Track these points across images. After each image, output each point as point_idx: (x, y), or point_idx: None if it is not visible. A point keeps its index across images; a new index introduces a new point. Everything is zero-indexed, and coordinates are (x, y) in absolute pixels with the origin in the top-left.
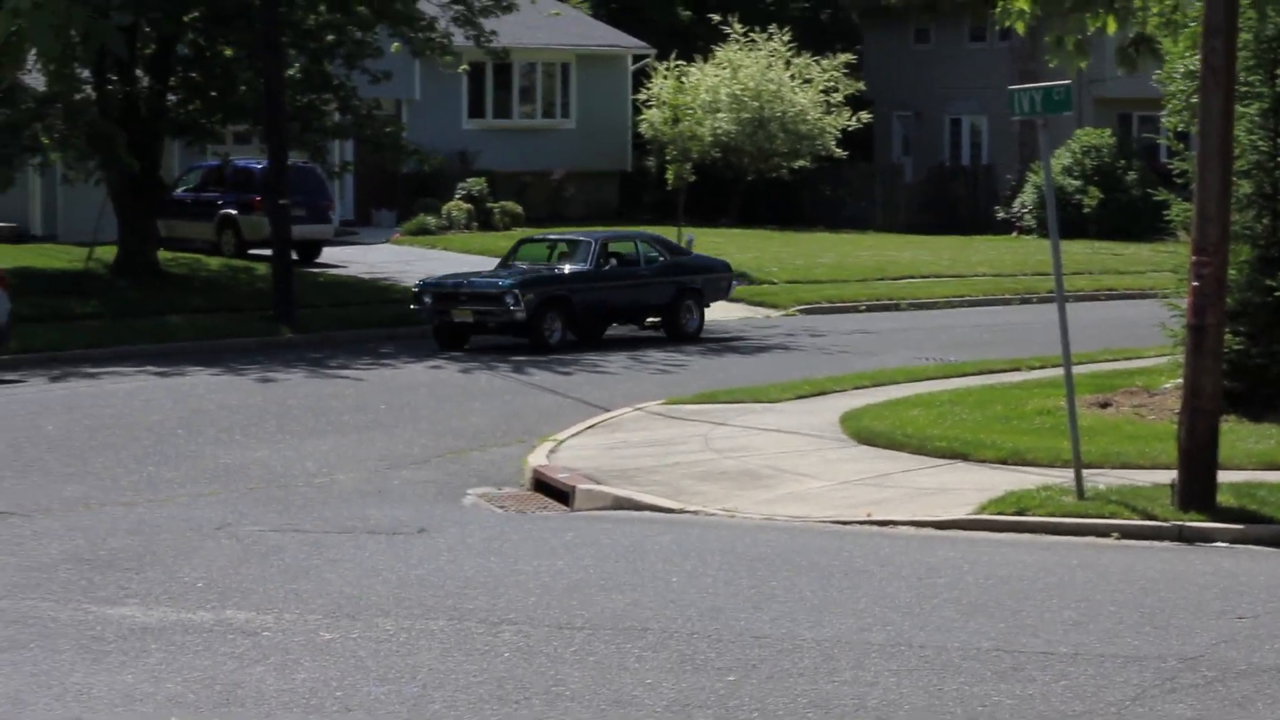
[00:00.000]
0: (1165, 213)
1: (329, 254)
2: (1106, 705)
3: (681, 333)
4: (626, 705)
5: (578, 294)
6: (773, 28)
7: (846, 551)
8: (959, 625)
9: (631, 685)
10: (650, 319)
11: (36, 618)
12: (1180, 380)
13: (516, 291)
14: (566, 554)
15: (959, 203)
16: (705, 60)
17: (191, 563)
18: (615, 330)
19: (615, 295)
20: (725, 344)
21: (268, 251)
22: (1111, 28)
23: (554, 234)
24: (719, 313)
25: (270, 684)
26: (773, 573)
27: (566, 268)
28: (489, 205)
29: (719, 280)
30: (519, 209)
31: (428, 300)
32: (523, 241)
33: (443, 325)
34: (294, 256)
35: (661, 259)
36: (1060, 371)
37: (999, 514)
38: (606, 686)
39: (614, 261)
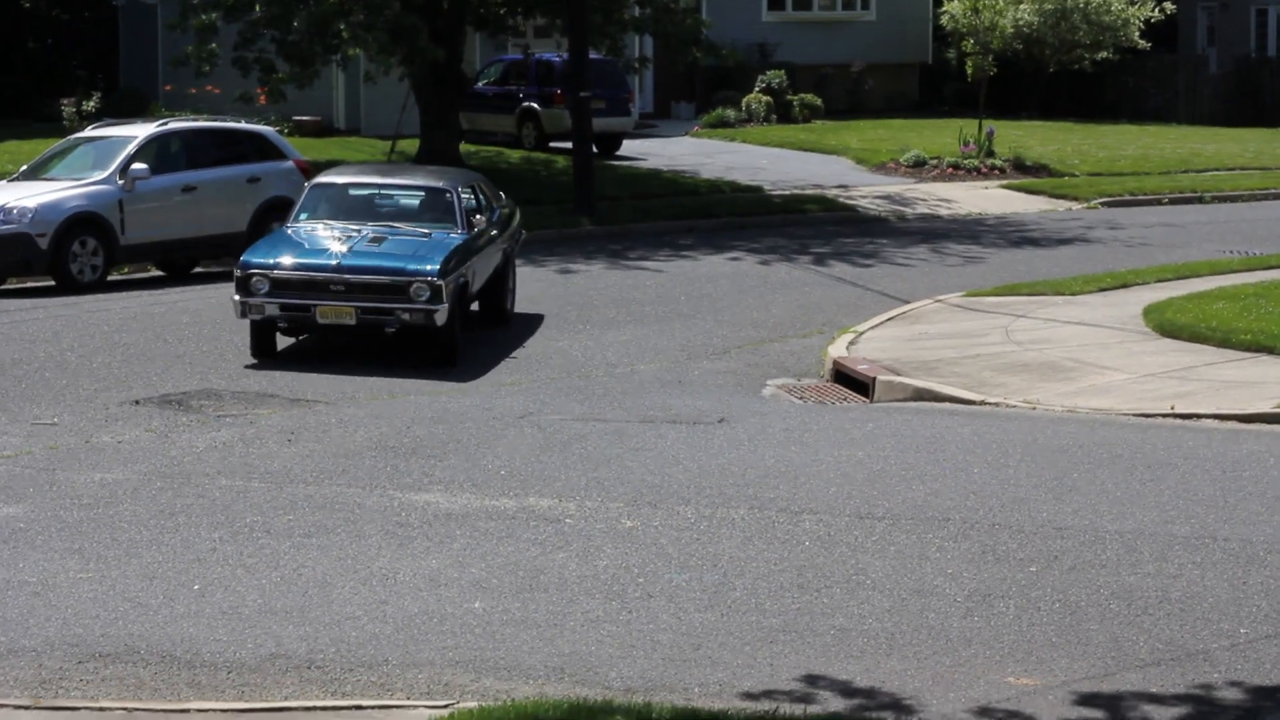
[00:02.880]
0: None
1: (628, 147)
2: None
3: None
4: (927, 594)
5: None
6: None
7: (1149, 445)
8: (1264, 519)
9: (932, 575)
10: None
11: (343, 503)
12: None
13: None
14: (867, 445)
15: (1265, 94)
16: None
17: (495, 451)
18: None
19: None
20: (1025, 237)
21: (568, 144)
22: None
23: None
24: (1019, 205)
25: (572, 570)
26: (1074, 465)
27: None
28: (788, 98)
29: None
30: (818, 101)
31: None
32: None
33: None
34: (594, 149)
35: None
36: None
37: None
38: (907, 576)
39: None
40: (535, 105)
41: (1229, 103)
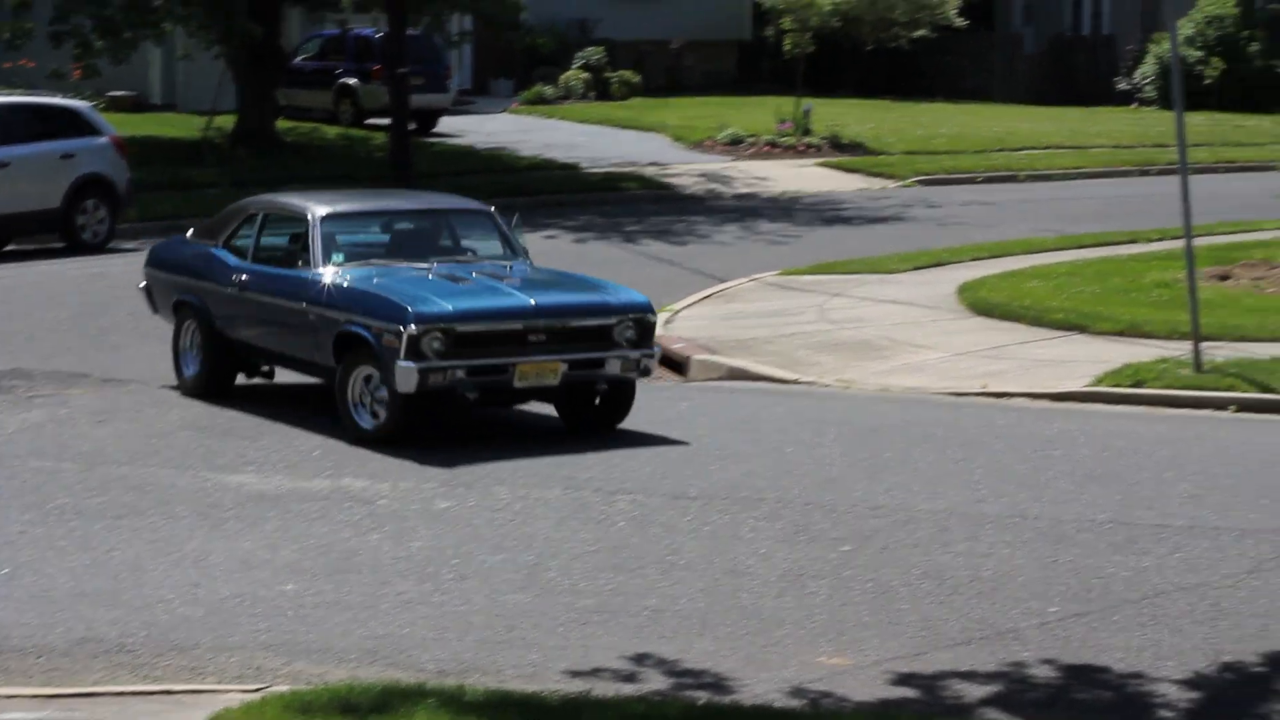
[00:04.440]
0: None
1: (446, 124)
2: (1222, 578)
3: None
4: (741, 575)
5: None
6: None
7: (962, 423)
8: (1074, 497)
9: (745, 555)
10: None
11: (156, 485)
12: None
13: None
14: (681, 424)
15: (1079, 74)
16: None
17: (309, 431)
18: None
19: None
20: (841, 215)
21: (385, 120)
22: None
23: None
24: (835, 183)
25: (386, 552)
26: (888, 444)
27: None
28: (607, 75)
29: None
30: (637, 79)
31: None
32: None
33: None
34: (411, 125)
35: None
36: (1179, 244)
37: (1115, 386)
38: (720, 556)
39: None
40: (352, 81)
41: (1044, 81)
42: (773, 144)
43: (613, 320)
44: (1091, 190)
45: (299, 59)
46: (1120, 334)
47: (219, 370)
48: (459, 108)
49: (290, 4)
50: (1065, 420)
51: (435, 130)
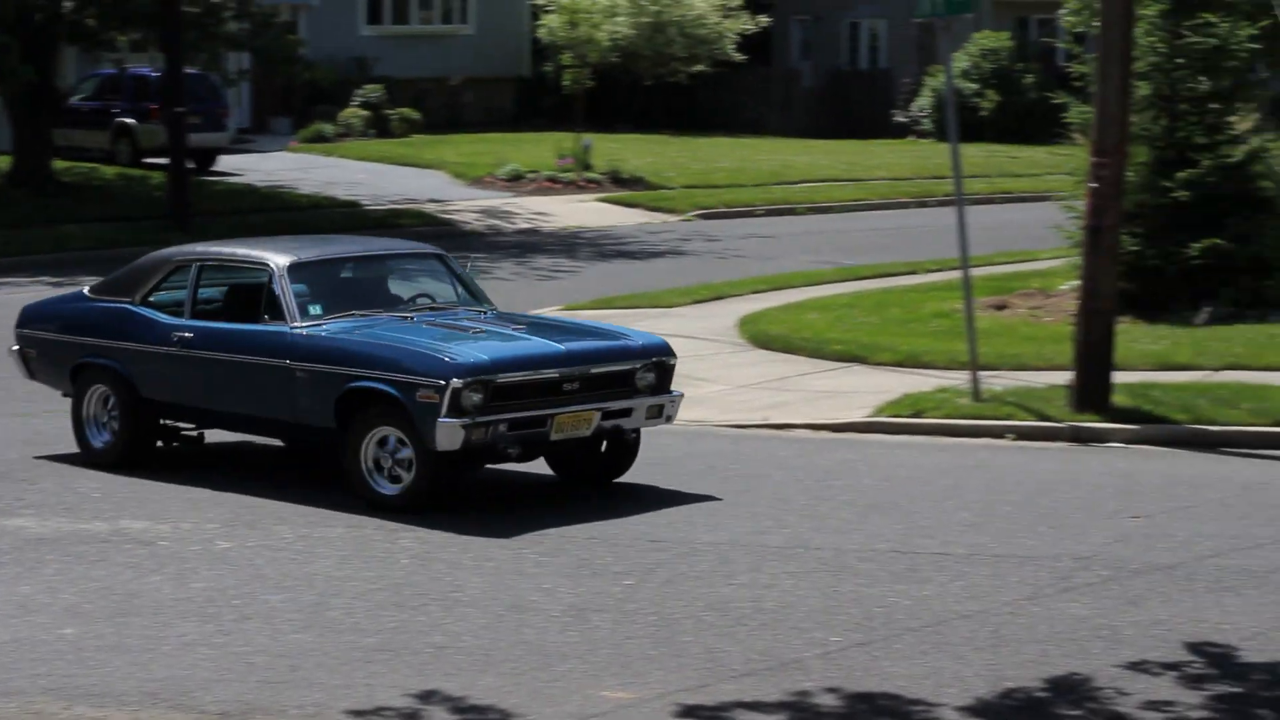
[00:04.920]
0: (1063, 115)
1: (225, 162)
2: (1002, 605)
3: None
4: (524, 610)
5: None
6: None
7: (744, 455)
8: (855, 527)
9: (529, 590)
10: None
11: None
12: (1077, 282)
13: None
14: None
15: (857, 107)
16: None
17: (87, 473)
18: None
19: None
20: (622, 250)
21: (163, 160)
22: None
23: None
24: (616, 218)
25: (167, 593)
26: (670, 476)
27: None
28: (386, 112)
29: None
30: (417, 115)
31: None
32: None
33: None
34: (190, 164)
35: None
36: (956, 274)
37: (895, 416)
38: (504, 592)
39: None
40: (130, 120)
41: (822, 115)
42: (553, 180)
43: (637, 365)
44: (870, 222)
45: (76, 99)
46: (899, 364)
47: (139, 437)
48: (238, 146)
49: (66, 43)
50: (846, 450)
51: (214, 169)
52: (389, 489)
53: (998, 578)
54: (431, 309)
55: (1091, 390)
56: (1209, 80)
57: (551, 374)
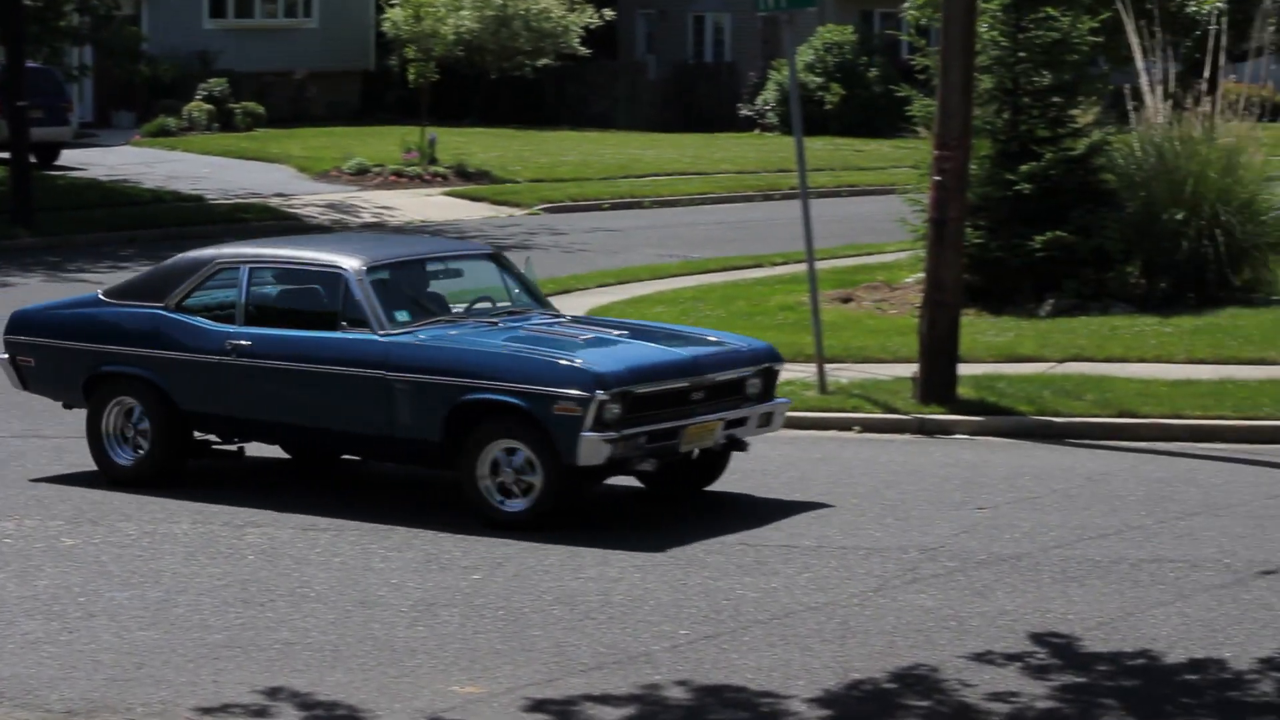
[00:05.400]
0: (907, 109)
1: (68, 157)
2: (849, 596)
3: None
4: (373, 605)
5: None
6: None
7: None
8: (703, 521)
9: (377, 585)
10: None
11: None
12: (921, 275)
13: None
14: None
15: (702, 101)
16: None
17: None
18: None
19: None
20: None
21: (4, 155)
22: None
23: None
24: (462, 212)
25: (11, 591)
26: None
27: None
28: (231, 106)
29: None
30: (261, 109)
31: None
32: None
33: None
34: (32, 159)
35: None
36: (802, 267)
37: None
38: (352, 587)
39: None
40: None
41: (668, 109)
42: (399, 174)
43: (749, 371)
44: (716, 215)
45: None
46: None
47: (174, 453)
48: (81, 141)
49: None
50: None
51: (57, 164)
52: (515, 505)
53: (845, 570)
54: (510, 314)
55: (937, 382)
56: (1051, 74)
57: (682, 384)
